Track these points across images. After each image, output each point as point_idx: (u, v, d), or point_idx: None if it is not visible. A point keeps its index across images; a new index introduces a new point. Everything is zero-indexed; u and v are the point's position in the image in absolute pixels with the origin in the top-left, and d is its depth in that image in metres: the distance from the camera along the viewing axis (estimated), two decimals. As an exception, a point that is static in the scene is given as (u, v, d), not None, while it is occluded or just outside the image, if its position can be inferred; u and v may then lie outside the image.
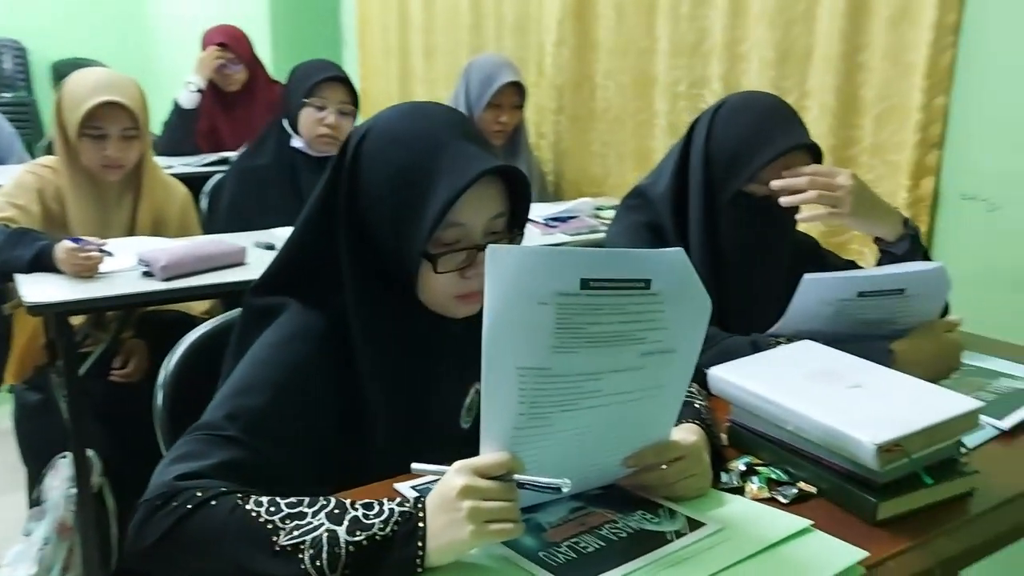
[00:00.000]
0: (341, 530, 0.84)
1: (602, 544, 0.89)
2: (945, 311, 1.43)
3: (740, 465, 1.07)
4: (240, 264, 2.05)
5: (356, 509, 0.85)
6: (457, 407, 1.17)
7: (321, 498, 0.88)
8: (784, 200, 1.38)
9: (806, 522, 0.93)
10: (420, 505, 0.85)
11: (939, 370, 1.28)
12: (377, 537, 0.83)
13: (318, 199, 1.11)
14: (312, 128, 2.44)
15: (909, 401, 1.03)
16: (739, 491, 1.03)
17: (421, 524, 0.84)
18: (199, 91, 3.48)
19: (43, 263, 1.89)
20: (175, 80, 3.76)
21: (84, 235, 2.00)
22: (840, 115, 2.16)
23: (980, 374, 1.36)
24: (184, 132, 3.49)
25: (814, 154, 1.45)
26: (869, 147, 2.14)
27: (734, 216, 1.45)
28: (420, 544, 0.83)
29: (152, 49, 6.15)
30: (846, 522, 0.97)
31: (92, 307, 1.91)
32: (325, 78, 2.45)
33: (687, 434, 1.01)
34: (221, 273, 2.00)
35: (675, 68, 2.60)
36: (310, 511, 0.86)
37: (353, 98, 2.51)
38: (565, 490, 0.82)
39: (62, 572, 1.94)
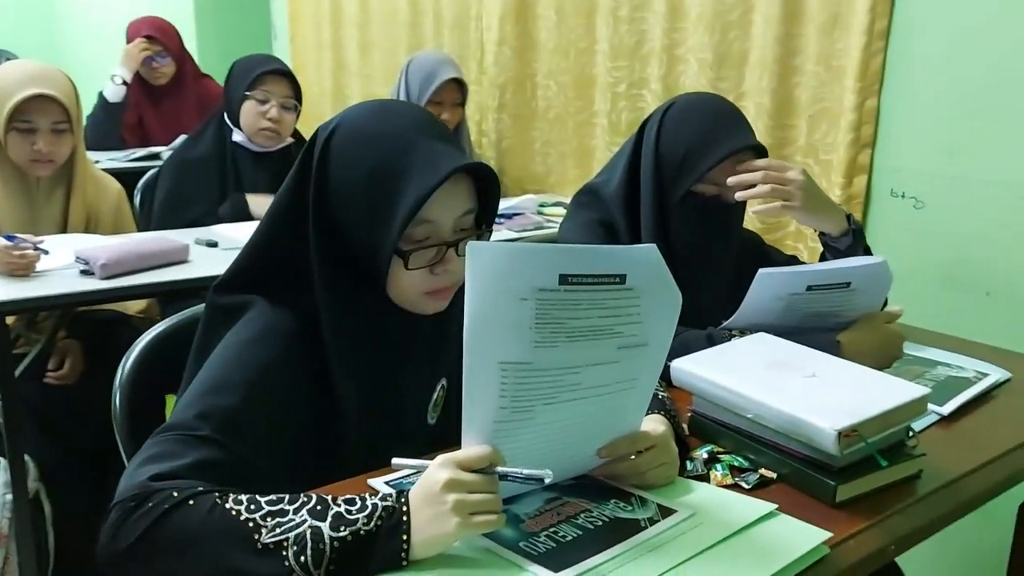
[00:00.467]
0: (324, 526, 0.84)
1: (580, 532, 0.91)
2: (884, 303, 1.50)
3: (703, 453, 1.11)
4: (183, 262, 2.00)
5: (338, 505, 0.86)
6: (425, 403, 1.17)
7: (301, 495, 0.88)
8: (739, 195, 1.44)
9: (771, 506, 0.97)
10: (404, 499, 0.86)
11: (883, 359, 1.34)
12: (361, 532, 0.84)
13: (285, 196, 1.10)
14: (254, 121, 2.41)
15: (862, 389, 1.08)
16: (704, 478, 1.06)
17: (405, 518, 0.84)
18: (125, 84, 3.38)
19: (-26, 263, 1.82)
20: (92, 72, 3.65)
21: (12, 233, 1.93)
22: (775, 116, 2.24)
23: (918, 363, 1.44)
24: (110, 126, 3.40)
25: (760, 155, 1.51)
26: (803, 147, 2.22)
27: (684, 215, 1.49)
28: (405, 538, 0.84)
29: (63, 41, 5.92)
30: (807, 505, 1.01)
31: (29, 307, 1.85)
32: (268, 71, 2.43)
33: (656, 424, 1.04)
34: (163, 271, 1.95)
35: (615, 69, 2.65)
36: (291, 508, 0.86)
37: (296, 93, 2.49)
38: (547, 480, 0.84)
39: (-4, 581, 1.87)
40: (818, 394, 1.07)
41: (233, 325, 1.08)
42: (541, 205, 2.69)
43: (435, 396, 1.18)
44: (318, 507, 0.85)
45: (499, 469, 0.85)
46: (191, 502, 0.86)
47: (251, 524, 0.84)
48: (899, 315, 1.44)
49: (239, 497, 0.87)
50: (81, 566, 1.74)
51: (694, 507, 0.96)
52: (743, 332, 1.35)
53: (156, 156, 3.17)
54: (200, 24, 4.59)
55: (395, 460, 0.92)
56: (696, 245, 1.51)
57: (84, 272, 1.87)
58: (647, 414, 1.05)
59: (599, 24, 2.68)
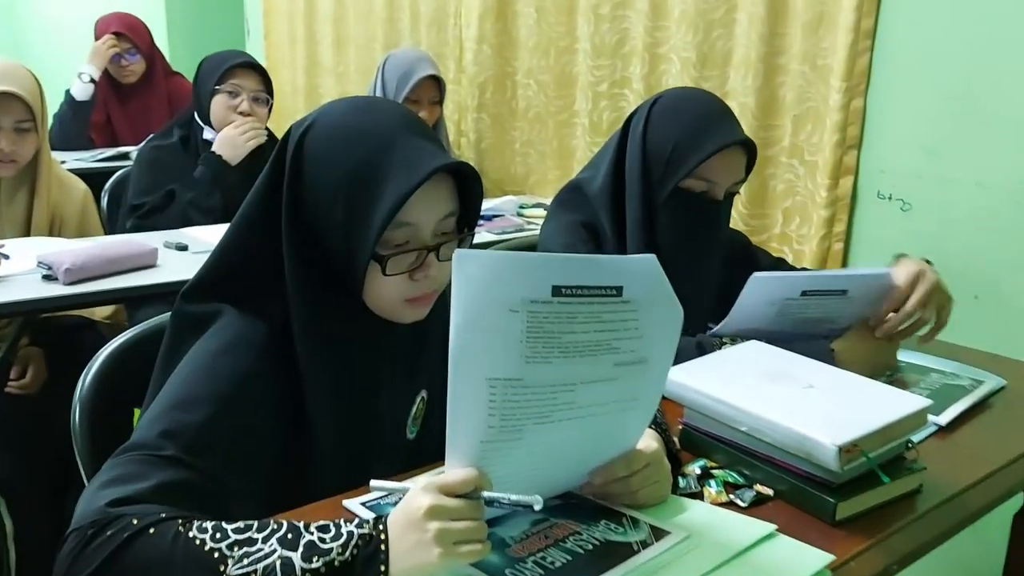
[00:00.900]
0: (296, 556, 0.78)
1: (569, 558, 0.86)
2: None
3: (696, 469, 1.06)
4: (151, 266, 1.93)
5: (311, 532, 0.80)
6: (404, 416, 1.12)
7: (272, 521, 0.82)
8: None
9: (770, 527, 0.92)
10: (382, 527, 0.80)
11: (876, 368, 1.30)
12: (336, 563, 0.78)
13: (257, 197, 1.04)
14: (225, 116, 2.35)
15: (862, 401, 1.04)
16: (697, 496, 1.02)
17: (383, 547, 0.79)
18: (92, 82, 3.28)
19: (-69, 266, 1.74)
20: (60, 70, 3.55)
21: (-27, 236, 1.85)
22: (760, 116, 2.21)
23: (912, 370, 1.40)
24: (77, 125, 3.31)
25: (749, 150, 1.47)
26: (788, 147, 2.19)
27: (672, 212, 1.45)
28: (383, 568, 0.78)
29: (29, 36, 5.78)
30: (805, 523, 0.97)
31: (-13, 314, 1.76)
32: (237, 64, 2.38)
33: (648, 440, 0.98)
34: (130, 276, 1.88)
35: (597, 68, 2.60)
36: (260, 536, 0.80)
37: (267, 86, 2.43)
38: (537, 507, 0.79)
39: (-47, 601, 1.79)
40: (816, 406, 1.02)
41: (201, 335, 1.02)
42: (521, 207, 2.64)
43: (415, 408, 1.13)
44: (289, 535, 0.80)
45: (485, 494, 0.79)
46: (152, 530, 0.80)
47: (216, 555, 0.78)
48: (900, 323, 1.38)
49: (204, 524, 0.81)
50: (44, 584, 1.66)
51: (689, 528, 0.91)
52: (734, 340, 1.30)
53: (125, 156, 3.09)
54: (171, 21, 4.51)
55: (373, 482, 0.87)
56: (684, 244, 1.46)
57: (47, 277, 1.79)
58: (636, 427, 1.00)
59: (580, 22, 2.64)
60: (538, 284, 0.78)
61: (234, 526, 0.81)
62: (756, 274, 1.28)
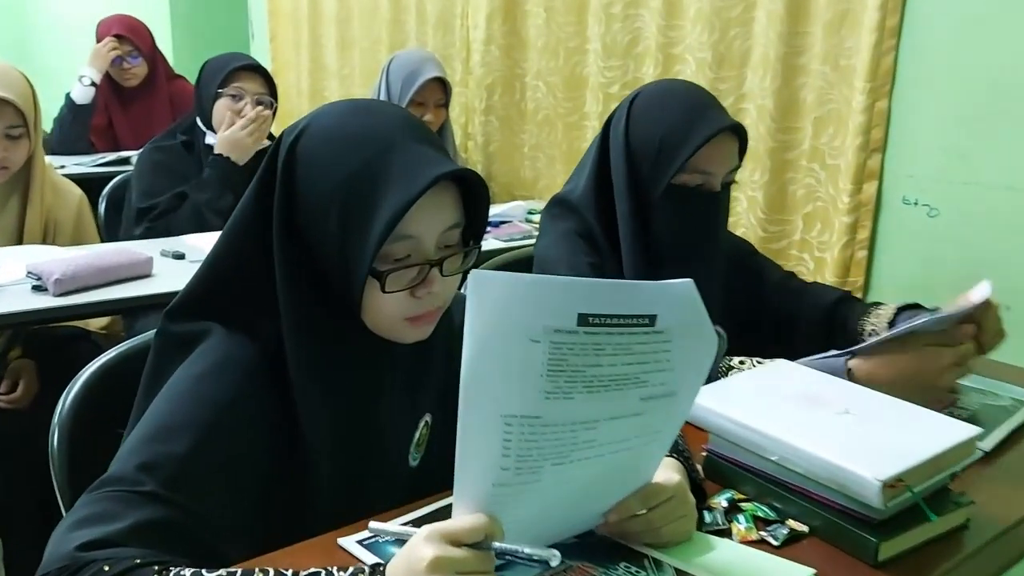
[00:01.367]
0: (284, 608, 0.70)
1: (587, 606, 0.78)
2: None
3: (723, 502, 0.98)
4: (146, 276, 1.85)
5: (301, 582, 0.72)
6: (405, 442, 1.04)
7: (256, 570, 0.75)
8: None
9: (808, 571, 0.84)
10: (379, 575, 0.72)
11: (910, 392, 1.11)
12: (328, 617, 0.70)
13: (245, 208, 0.96)
14: (227, 120, 2.27)
15: (904, 429, 0.96)
16: (725, 532, 0.93)
17: (380, 599, 0.71)
18: (93, 85, 3.22)
19: (-85, 276, 1.67)
20: (62, 73, 3.49)
21: (-37, 244, 1.78)
22: (779, 119, 2.12)
23: (948, 390, 1.31)
24: (78, 129, 3.24)
25: (740, 136, 1.39)
26: (808, 151, 2.10)
27: (667, 211, 1.37)
28: (380, 623, 0.70)
29: (38, 38, 5.74)
30: (844, 564, 0.89)
31: (-28, 327, 1.69)
32: (240, 66, 2.32)
33: (670, 472, 0.90)
34: (124, 286, 1.80)
35: (608, 69, 2.52)
36: (244, 586, 0.72)
37: (271, 89, 2.36)
38: (554, 563, 0.71)
39: (-61, 625, 1.72)
40: (854, 435, 0.94)
41: (187, 356, 0.95)
42: (530, 212, 2.56)
43: (417, 434, 1.05)
44: (276, 585, 0.72)
45: (496, 545, 0.71)
46: (125, 579, 0.72)
47: (195, 607, 0.70)
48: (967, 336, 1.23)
49: (182, 572, 0.73)
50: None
51: (717, 571, 0.83)
52: (742, 361, 1.22)
53: (125, 161, 3.02)
54: (175, 24, 4.45)
55: (372, 524, 0.79)
56: (682, 243, 1.38)
57: (36, 288, 1.72)
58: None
59: (591, 22, 2.56)
60: (563, 311, 0.69)
61: (215, 574, 0.73)
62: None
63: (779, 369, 1.12)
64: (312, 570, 0.74)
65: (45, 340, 1.97)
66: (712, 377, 1.09)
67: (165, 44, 3.77)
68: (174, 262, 1.96)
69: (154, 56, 3.39)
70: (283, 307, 0.93)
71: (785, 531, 0.93)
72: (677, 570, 0.84)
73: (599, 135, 1.46)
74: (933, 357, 1.19)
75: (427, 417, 1.06)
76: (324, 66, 3.73)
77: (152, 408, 0.91)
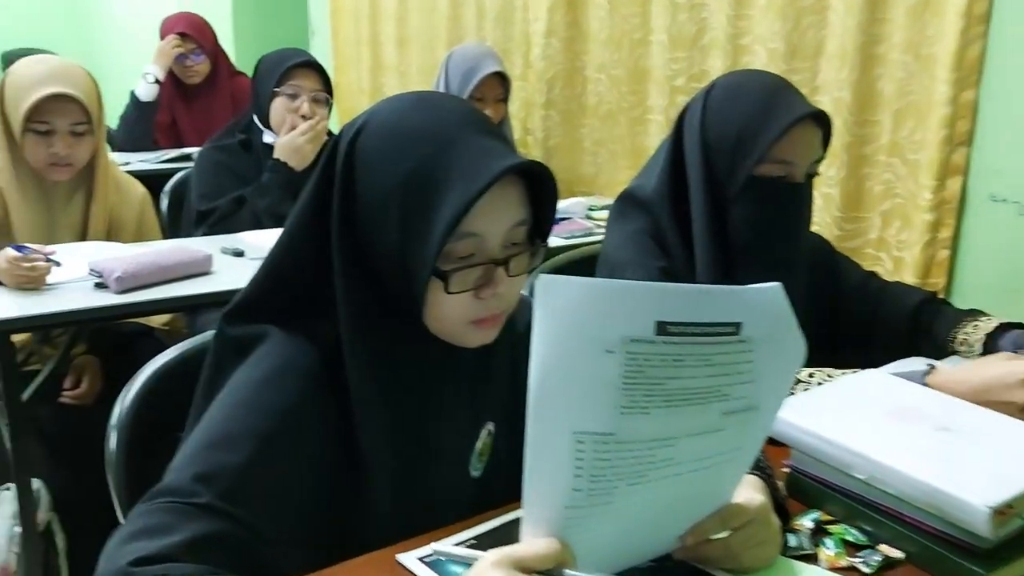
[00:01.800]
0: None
1: (663, 636, 0.73)
2: None
3: (808, 523, 0.91)
4: (206, 273, 1.85)
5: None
6: (467, 452, 1.00)
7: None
8: None
9: (907, 604, 0.77)
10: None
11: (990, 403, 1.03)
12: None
13: (305, 208, 0.93)
14: (285, 119, 2.26)
15: (1010, 447, 0.88)
16: (811, 558, 0.87)
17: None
18: (157, 82, 3.26)
19: (-19, 274, 1.68)
20: (128, 70, 3.54)
21: (29, 242, 1.80)
22: (855, 111, 2.02)
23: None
24: (142, 126, 3.30)
25: (823, 124, 1.31)
26: (887, 145, 2.00)
27: (748, 205, 1.30)
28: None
29: (105, 36, 5.87)
30: (944, 596, 0.81)
31: (36, 325, 1.70)
32: (296, 63, 2.28)
33: (751, 491, 0.84)
34: (184, 284, 1.80)
35: (673, 61, 2.44)
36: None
37: (327, 86, 2.34)
38: None
39: (4, 622, 1.74)
40: (954, 454, 0.86)
41: (245, 360, 0.92)
42: (591, 208, 2.50)
43: (480, 443, 1.00)
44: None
45: (568, 572, 0.66)
46: (177, 598, 0.69)
47: (250, 629, 0.67)
48: None
49: (238, 591, 0.69)
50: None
51: (806, 601, 0.77)
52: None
53: (188, 157, 3.04)
54: (237, 21, 4.49)
55: (436, 546, 0.74)
56: (763, 241, 1.31)
57: (98, 285, 1.73)
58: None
59: (655, 12, 2.48)
60: (640, 319, 0.63)
61: (271, 593, 0.70)
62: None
63: (868, 379, 1.05)
64: (372, 593, 0.70)
65: (109, 337, 1.98)
66: None
67: (227, 41, 3.80)
68: (233, 259, 1.95)
69: (216, 53, 3.42)
70: (341, 308, 0.90)
71: (879, 558, 0.86)
72: (761, 599, 0.77)
73: (672, 129, 1.39)
74: (1009, 370, 1.10)
75: (489, 426, 1.01)
76: (383, 62, 3.72)
77: (210, 414, 0.88)
